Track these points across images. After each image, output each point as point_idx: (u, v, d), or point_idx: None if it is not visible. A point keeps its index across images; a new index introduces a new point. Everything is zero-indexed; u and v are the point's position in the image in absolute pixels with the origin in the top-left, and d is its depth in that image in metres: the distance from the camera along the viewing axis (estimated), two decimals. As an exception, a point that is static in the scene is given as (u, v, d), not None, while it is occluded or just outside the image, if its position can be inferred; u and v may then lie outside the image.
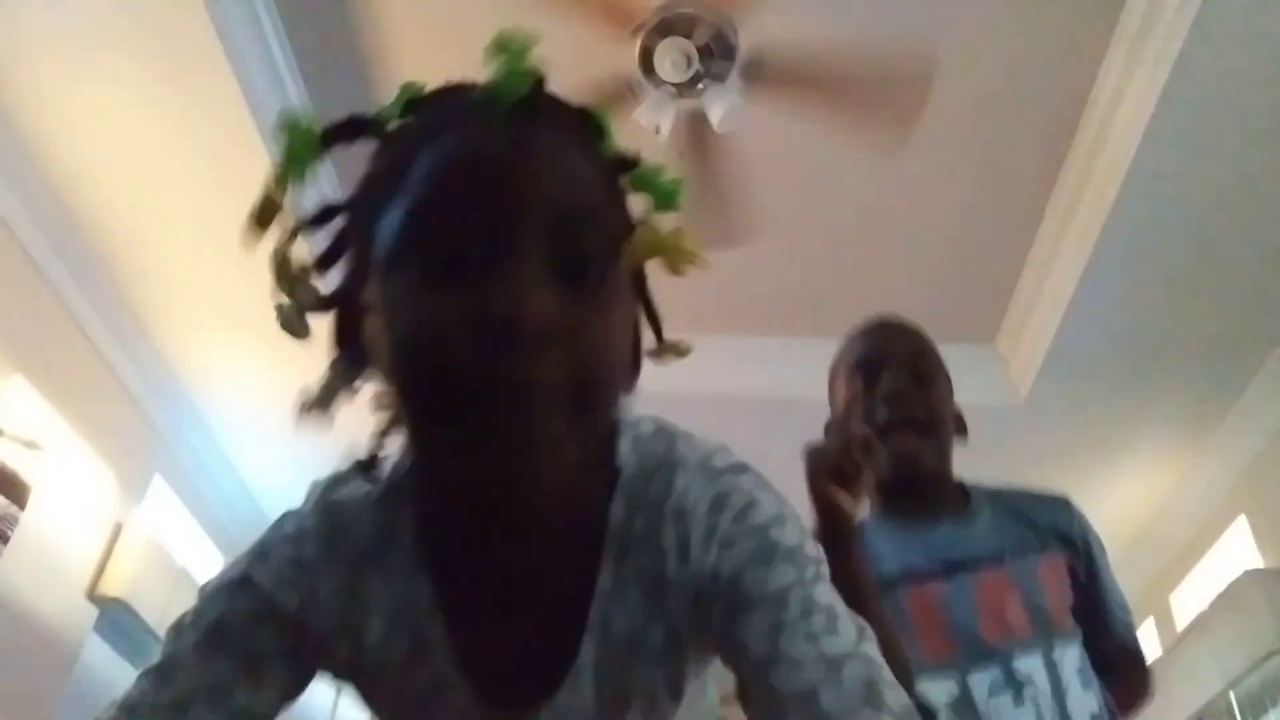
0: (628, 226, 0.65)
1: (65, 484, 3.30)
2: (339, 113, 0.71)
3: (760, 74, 2.46)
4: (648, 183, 0.68)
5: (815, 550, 0.65)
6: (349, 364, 0.68)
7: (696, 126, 2.57)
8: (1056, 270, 3.29)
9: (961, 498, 1.34)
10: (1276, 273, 3.11)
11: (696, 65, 2.39)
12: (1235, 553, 3.77)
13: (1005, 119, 2.95)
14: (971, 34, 2.72)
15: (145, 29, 2.61)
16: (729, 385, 3.82)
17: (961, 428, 1.38)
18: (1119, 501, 4.19)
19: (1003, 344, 3.71)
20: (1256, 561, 3.55)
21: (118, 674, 3.84)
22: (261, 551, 0.70)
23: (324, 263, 0.66)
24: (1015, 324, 3.60)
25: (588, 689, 0.64)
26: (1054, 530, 1.30)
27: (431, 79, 0.69)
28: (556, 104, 0.64)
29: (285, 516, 0.74)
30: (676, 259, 0.65)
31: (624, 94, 2.47)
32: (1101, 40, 2.71)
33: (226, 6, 2.61)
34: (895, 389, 1.32)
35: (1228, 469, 3.83)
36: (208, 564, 4.44)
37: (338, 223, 0.66)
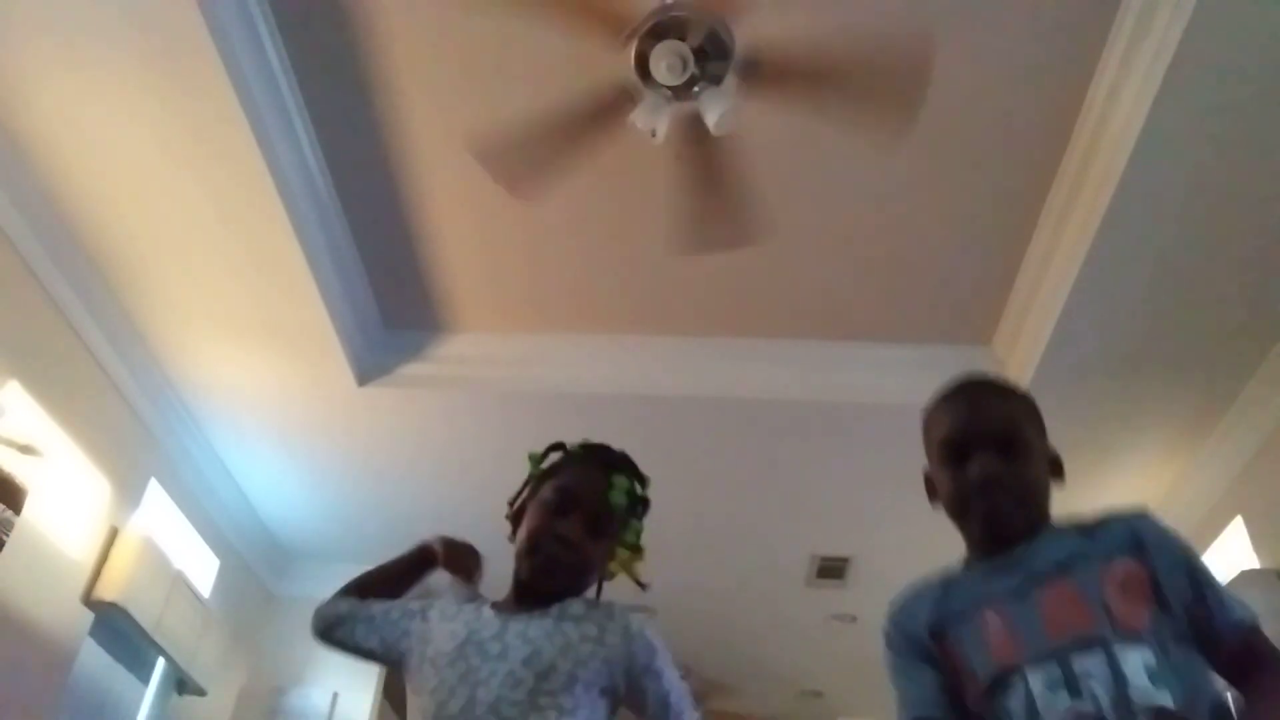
0: (623, 526, 1.60)
1: (61, 489, 3.30)
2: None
3: (756, 73, 2.46)
4: (633, 527, 1.61)
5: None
6: (514, 523, 1.60)
7: (693, 129, 2.57)
8: (1052, 272, 3.30)
9: (1043, 527, 1.38)
10: (1271, 274, 3.12)
11: (692, 68, 2.39)
12: (1232, 553, 3.77)
13: (1000, 121, 2.96)
14: (967, 36, 2.73)
15: (143, 38, 2.61)
16: (729, 387, 3.83)
17: (1058, 471, 1.42)
18: (1115, 503, 4.18)
19: (999, 346, 3.72)
20: (1253, 562, 3.56)
21: (114, 678, 3.83)
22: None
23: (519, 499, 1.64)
24: (1011, 326, 3.60)
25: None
26: (1122, 538, 1.31)
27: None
28: (631, 465, 1.62)
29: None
30: (632, 561, 1.62)
31: (622, 101, 2.48)
32: (1097, 41, 2.72)
33: (225, 18, 2.61)
34: (984, 474, 1.35)
35: (1224, 470, 3.84)
36: (203, 568, 4.44)
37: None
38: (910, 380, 3.62)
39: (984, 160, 3.08)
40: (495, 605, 1.53)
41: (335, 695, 4.81)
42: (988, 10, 2.67)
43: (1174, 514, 4.14)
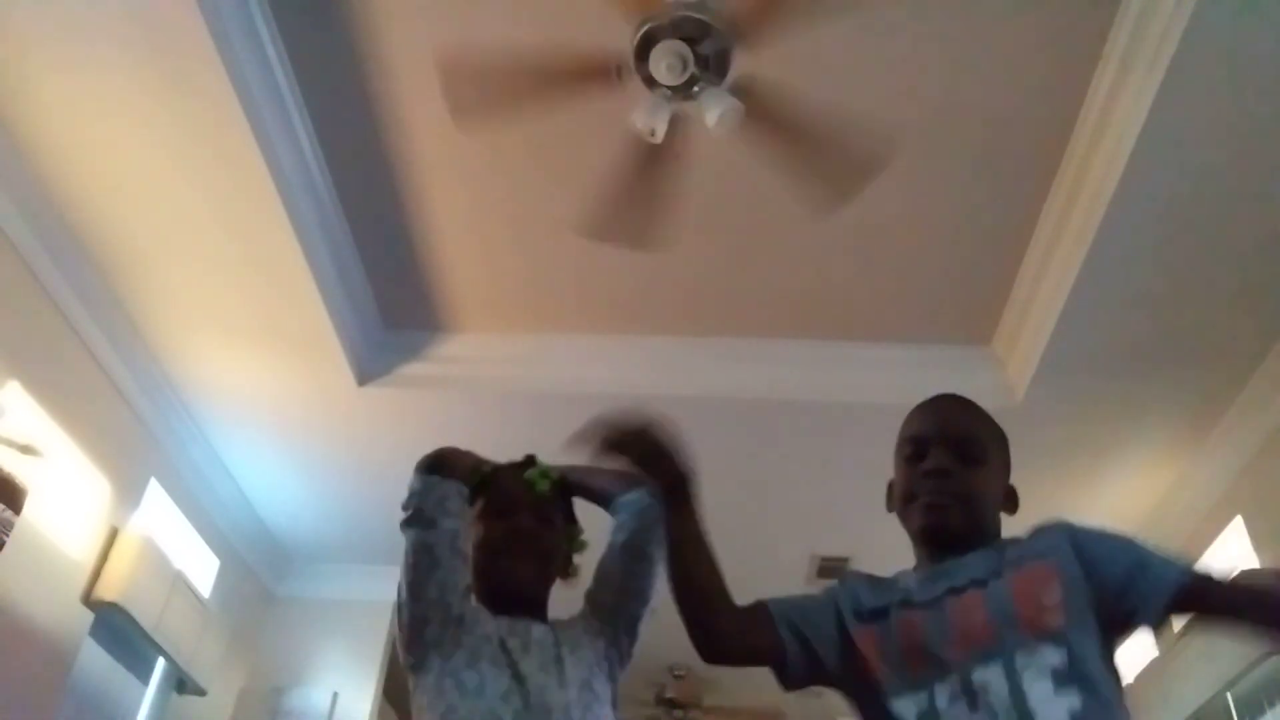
0: (568, 519, 1.66)
1: (61, 489, 3.30)
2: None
3: (749, 27, 2.43)
4: (573, 534, 1.67)
5: None
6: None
7: (689, 128, 2.57)
8: (1052, 272, 3.30)
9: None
10: (1270, 274, 3.12)
11: (692, 68, 2.39)
12: (1232, 553, 3.77)
13: (1000, 122, 2.96)
14: (967, 37, 2.73)
15: (144, 39, 2.61)
16: (729, 387, 3.83)
17: (1012, 504, 1.45)
18: (1115, 502, 4.20)
19: (999, 346, 3.72)
20: (1253, 561, 3.56)
21: (114, 678, 3.83)
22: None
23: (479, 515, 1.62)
24: (1011, 326, 3.61)
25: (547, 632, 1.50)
26: (1041, 544, 1.34)
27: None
28: (557, 482, 1.63)
29: None
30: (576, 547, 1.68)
31: (608, 71, 2.45)
32: (1095, 44, 2.72)
33: (225, 20, 2.62)
34: (937, 467, 1.39)
35: (1224, 469, 3.84)
36: (203, 568, 4.44)
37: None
38: (910, 380, 3.62)
39: (984, 161, 3.08)
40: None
41: (335, 695, 4.81)
42: (988, 12, 2.67)
43: (1174, 514, 4.15)
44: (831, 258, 3.45)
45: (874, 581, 1.44)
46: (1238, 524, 3.77)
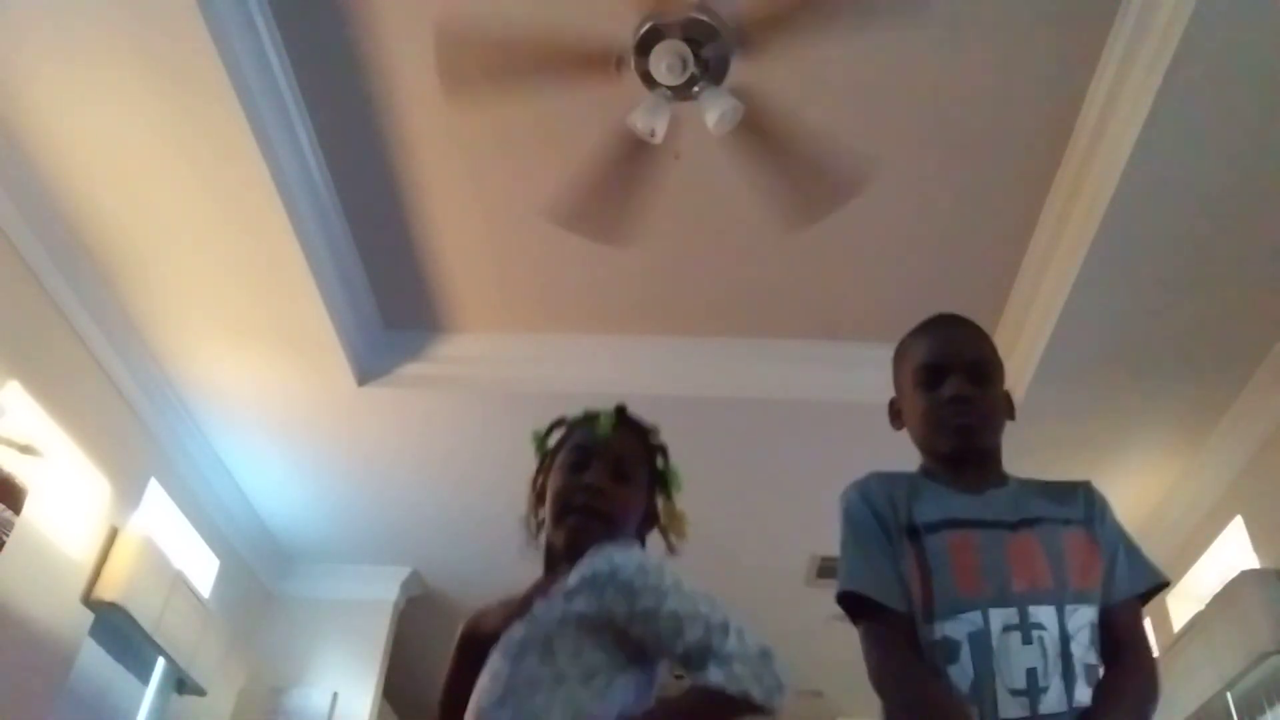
0: (653, 476, 1.59)
1: (61, 489, 3.30)
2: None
3: (755, 35, 2.44)
4: (669, 472, 1.62)
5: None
6: (536, 505, 1.58)
7: (694, 128, 2.57)
8: (1051, 272, 3.30)
9: (1001, 476, 1.52)
10: (1270, 275, 3.12)
11: (693, 66, 2.39)
12: (1232, 553, 3.78)
13: (1000, 121, 2.96)
14: (967, 37, 2.73)
15: (144, 39, 2.61)
16: (729, 387, 3.83)
17: (1010, 410, 1.57)
18: (1115, 502, 4.18)
19: (999, 345, 3.71)
20: (1253, 562, 3.56)
21: (114, 678, 3.83)
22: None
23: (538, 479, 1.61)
24: (1011, 326, 3.60)
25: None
26: (1078, 508, 1.47)
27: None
28: (638, 425, 1.61)
29: None
30: (675, 522, 1.62)
31: (607, 61, 2.46)
32: (1095, 44, 2.72)
33: (225, 17, 2.61)
34: (959, 394, 1.48)
35: (1224, 469, 3.84)
36: (203, 568, 4.44)
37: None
38: (910, 380, 3.63)
39: (984, 161, 3.08)
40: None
41: (335, 695, 4.81)
42: (988, 11, 2.67)
43: (1174, 514, 4.15)
44: (831, 258, 3.45)
45: (907, 488, 1.46)
46: (1238, 524, 3.77)
